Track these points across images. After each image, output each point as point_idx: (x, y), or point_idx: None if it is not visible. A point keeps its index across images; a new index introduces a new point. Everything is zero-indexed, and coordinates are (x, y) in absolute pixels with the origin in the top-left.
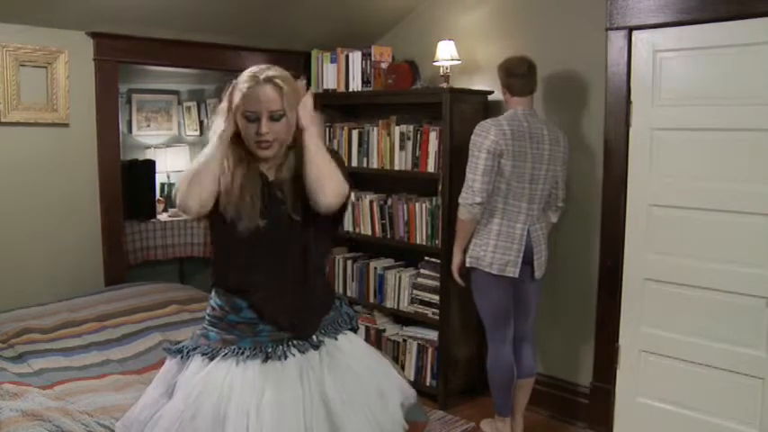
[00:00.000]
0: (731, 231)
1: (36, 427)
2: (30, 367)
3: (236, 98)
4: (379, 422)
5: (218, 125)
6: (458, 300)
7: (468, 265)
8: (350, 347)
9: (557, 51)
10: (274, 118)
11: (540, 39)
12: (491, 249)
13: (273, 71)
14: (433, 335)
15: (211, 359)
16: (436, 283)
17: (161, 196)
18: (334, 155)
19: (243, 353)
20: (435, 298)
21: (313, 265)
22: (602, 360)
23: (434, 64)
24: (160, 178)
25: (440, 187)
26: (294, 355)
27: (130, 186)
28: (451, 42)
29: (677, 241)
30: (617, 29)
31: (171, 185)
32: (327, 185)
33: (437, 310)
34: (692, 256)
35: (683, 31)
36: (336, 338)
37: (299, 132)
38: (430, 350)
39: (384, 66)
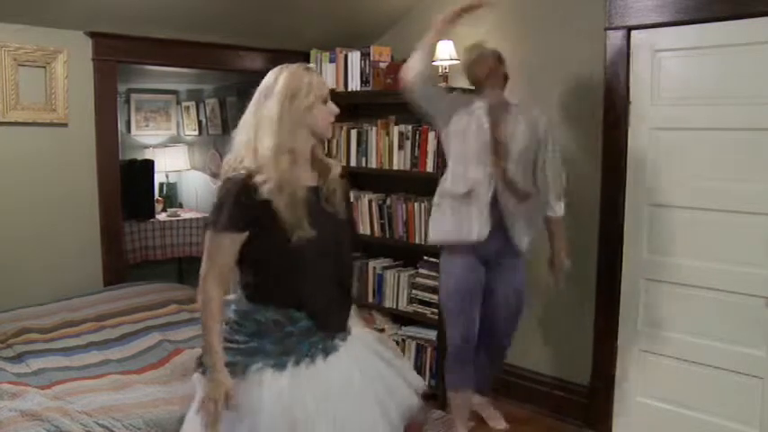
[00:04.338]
0: (731, 231)
1: (35, 427)
2: (28, 367)
3: (315, 86)
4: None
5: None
6: None
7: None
8: (359, 331)
9: (556, 51)
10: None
11: (539, 39)
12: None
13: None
14: (432, 334)
15: (283, 368)
16: (435, 283)
17: (160, 196)
18: None
19: (307, 356)
20: (434, 298)
21: (353, 262)
22: (601, 360)
23: (433, 64)
24: (159, 178)
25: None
26: (341, 345)
27: (129, 186)
28: (451, 42)
29: (677, 241)
30: (616, 29)
31: (170, 185)
32: None
33: (436, 310)
34: (692, 256)
35: (681, 30)
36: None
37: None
38: (429, 350)
39: (383, 65)
